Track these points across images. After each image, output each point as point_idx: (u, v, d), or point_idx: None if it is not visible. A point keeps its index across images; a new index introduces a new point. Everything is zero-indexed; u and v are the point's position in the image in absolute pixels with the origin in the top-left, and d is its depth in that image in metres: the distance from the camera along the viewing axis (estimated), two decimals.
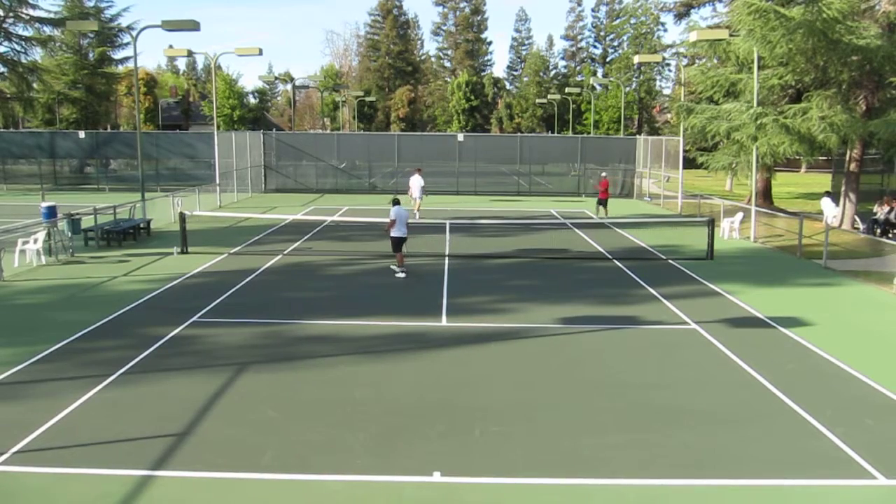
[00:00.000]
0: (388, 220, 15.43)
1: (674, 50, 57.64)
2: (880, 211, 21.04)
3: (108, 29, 49.23)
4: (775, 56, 20.75)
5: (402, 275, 15.33)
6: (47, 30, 41.72)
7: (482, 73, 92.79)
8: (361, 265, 17.06)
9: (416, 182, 26.18)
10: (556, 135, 65.20)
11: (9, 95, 41.64)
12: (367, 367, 9.67)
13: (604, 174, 27.47)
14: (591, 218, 25.72)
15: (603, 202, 25.51)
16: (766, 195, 31.21)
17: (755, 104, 21.86)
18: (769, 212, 25.94)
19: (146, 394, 8.62)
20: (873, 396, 8.72)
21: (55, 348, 10.23)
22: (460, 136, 37.32)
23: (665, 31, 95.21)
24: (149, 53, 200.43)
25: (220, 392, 8.66)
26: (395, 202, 15.55)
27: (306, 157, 36.78)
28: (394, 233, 15.32)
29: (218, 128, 37.99)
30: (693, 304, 13.17)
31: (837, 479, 6.63)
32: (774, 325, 11.87)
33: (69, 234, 18.55)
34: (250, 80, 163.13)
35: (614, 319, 12.16)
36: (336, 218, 24.48)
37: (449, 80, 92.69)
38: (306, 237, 20.88)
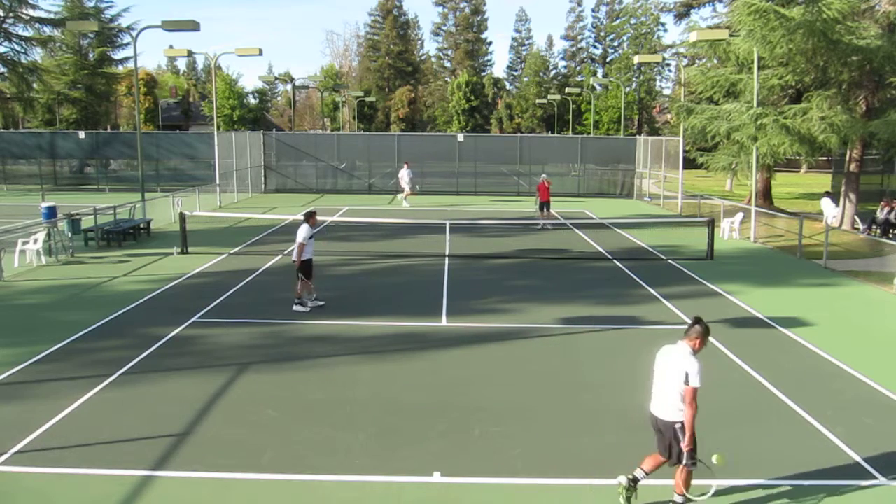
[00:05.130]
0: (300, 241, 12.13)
1: (674, 50, 57.52)
2: (881, 212, 21.04)
3: (108, 29, 49.18)
4: (775, 56, 20.76)
5: (321, 303, 12.75)
6: (47, 30, 41.71)
7: (482, 74, 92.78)
8: (361, 265, 17.07)
9: (405, 174, 30.07)
10: (556, 135, 65.19)
11: (9, 95, 41.63)
12: (367, 367, 9.66)
13: (544, 176, 25.55)
14: (592, 218, 25.67)
15: (545, 205, 24.05)
16: (766, 195, 31.20)
17: (755, 104, 21.85)
18: (769, 212, 25.92)
19: (146, 394, 8.62)
20: (873, 396, 8.72)
21: (55, 348, 10.24)
22: (460, 137, 37.29)
23: (665, 31, 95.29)
24: (149, 53, 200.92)
25: (220, 392, 8.67)
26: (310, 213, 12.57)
27: (306, 158, 36.76)
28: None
29: (218, 128, 37.98)
30: (693, 305, 13.16)
31: (837, 479, 6.63)
32: (774, 325, 11.87)
33: (69, 235, 18.56)
34: (250, 81, 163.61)
35: (614, 319, 12.16)
36: (336, 218, 24.48)
37: (449, 80, 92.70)
38: None
